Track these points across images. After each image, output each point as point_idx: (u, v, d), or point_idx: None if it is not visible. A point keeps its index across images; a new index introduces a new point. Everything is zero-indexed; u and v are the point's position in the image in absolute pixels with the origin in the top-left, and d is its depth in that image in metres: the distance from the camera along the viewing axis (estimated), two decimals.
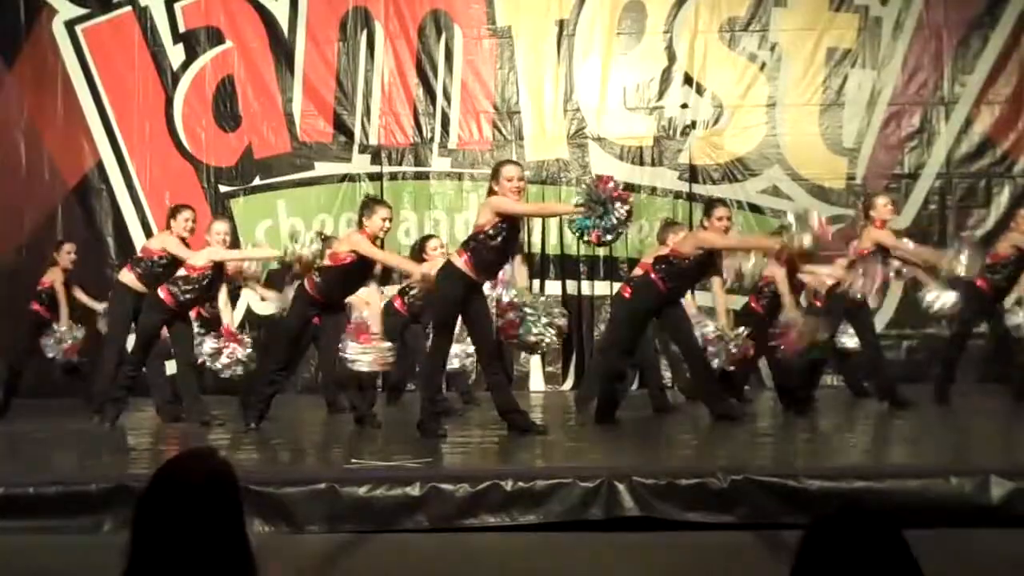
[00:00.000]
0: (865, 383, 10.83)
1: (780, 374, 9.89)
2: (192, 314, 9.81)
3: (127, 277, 9.80)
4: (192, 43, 13.47)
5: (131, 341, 9.94)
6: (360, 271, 8.58)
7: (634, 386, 11.09)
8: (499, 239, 7.86)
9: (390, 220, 8.71)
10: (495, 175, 8.07)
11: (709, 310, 9.86)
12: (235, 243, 10.79)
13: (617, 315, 9.40)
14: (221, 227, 9.60)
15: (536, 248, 13.02)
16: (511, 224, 7.93)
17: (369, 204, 8.83)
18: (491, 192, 8.01)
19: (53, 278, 10.86)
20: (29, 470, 6.78)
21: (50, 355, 10.89)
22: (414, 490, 5.67)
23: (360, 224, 8.60)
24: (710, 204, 9.44)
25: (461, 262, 7.94)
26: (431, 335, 8.60)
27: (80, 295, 11.12)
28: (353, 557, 5.41)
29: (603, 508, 5.63)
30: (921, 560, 2.20)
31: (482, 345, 8.49)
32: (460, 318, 8.21)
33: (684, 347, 9.23)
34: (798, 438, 8.26)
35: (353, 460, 6.79)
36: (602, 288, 12.92)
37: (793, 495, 5.60)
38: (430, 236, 10.65)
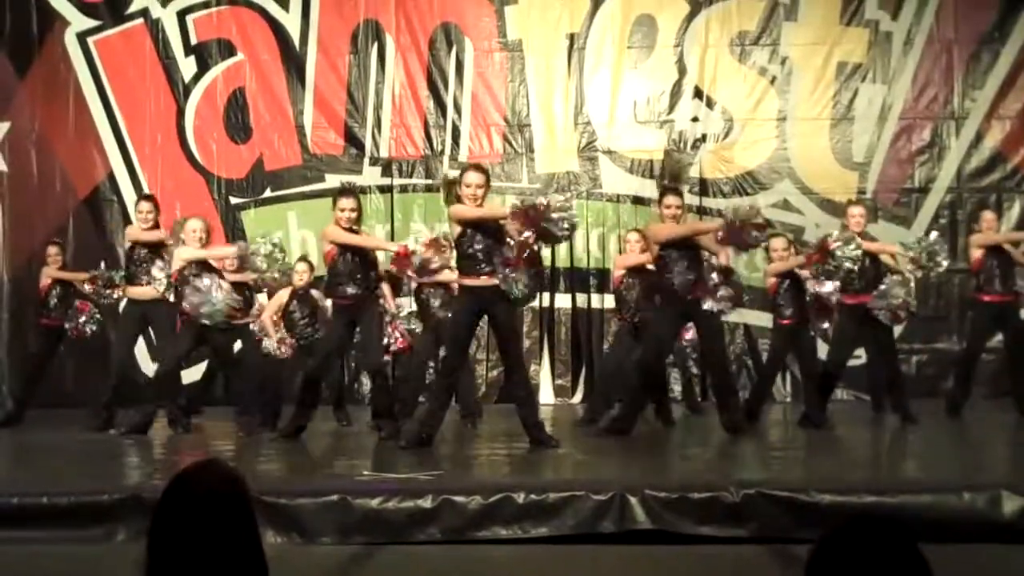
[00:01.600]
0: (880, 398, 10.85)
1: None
2: None
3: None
4: (204, 55, 13.51)
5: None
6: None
7: None
8: (478, 244, 7.90)
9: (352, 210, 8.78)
10: (459, 181, 8.15)
11: None
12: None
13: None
14: (195, 224, 9.63)
15: (546, 261, 13.02)
16: (479, 229, 7.95)
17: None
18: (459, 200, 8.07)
19: (46, 280, 10.94)
20: (42, 480, 6.79)
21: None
22: (426, 502, 5.67)
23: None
24: (662, 192, 9.32)
25: (469, 280, 7.99)
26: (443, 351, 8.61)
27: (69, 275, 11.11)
28: (365, 569, 5.42)
29: (615, 521, 5.62)
30: None
31: (503, 355, 8.56)
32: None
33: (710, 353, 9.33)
34: (810, 452, 8.25)
35: (365, 472, 6.79)
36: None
37: (805, 509, 5.60)
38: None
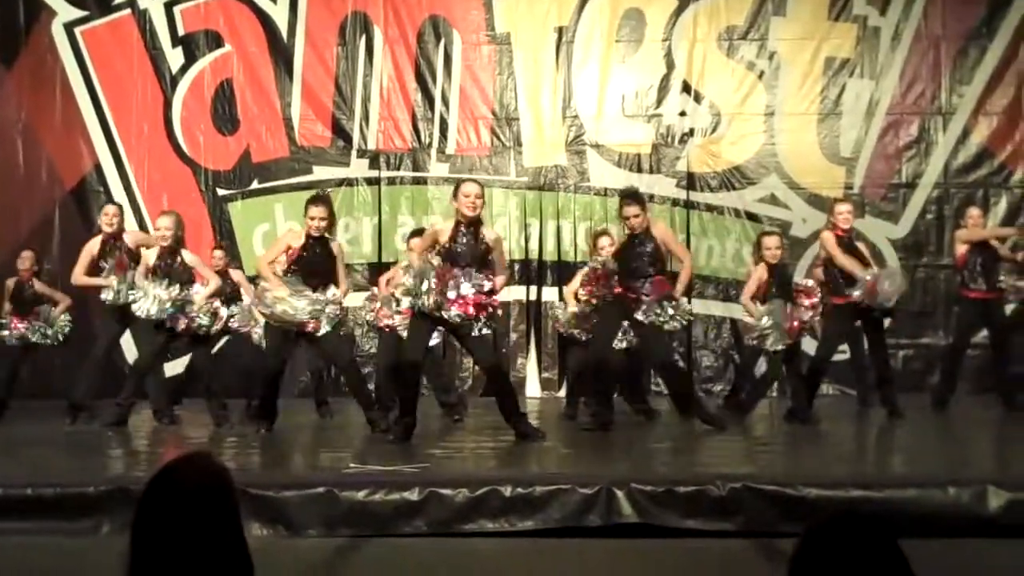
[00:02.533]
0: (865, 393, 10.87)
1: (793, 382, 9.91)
2: None
3: None
4: (191, 46, 13.47)
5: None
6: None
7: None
8: (456, 248, 8.01)
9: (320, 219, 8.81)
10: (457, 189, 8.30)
11: None
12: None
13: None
14: (161, 222, 9.74)
15: (533, 255, 13.03)
16: (454, 239, 8.06)
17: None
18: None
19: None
20: (27, 472, 6.76)
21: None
22: (413, 495, 5.67)
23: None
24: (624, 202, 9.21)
25: None
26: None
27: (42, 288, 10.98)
28: (351, 562, 5.42)
29: (602, 515, 5.63)
30: (918, 571, 2.20)
31: (478, 362, 8.63)
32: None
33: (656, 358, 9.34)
34: (796, 446, 8.26)
35: (351, 464, 6.79)
36: None
37: (791, 503, 5.61)
38: (417, 231, 10.48)
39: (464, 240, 8.10)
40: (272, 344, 9.06)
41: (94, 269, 9.99)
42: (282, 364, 9.05)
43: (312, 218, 8.73)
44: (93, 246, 10.10)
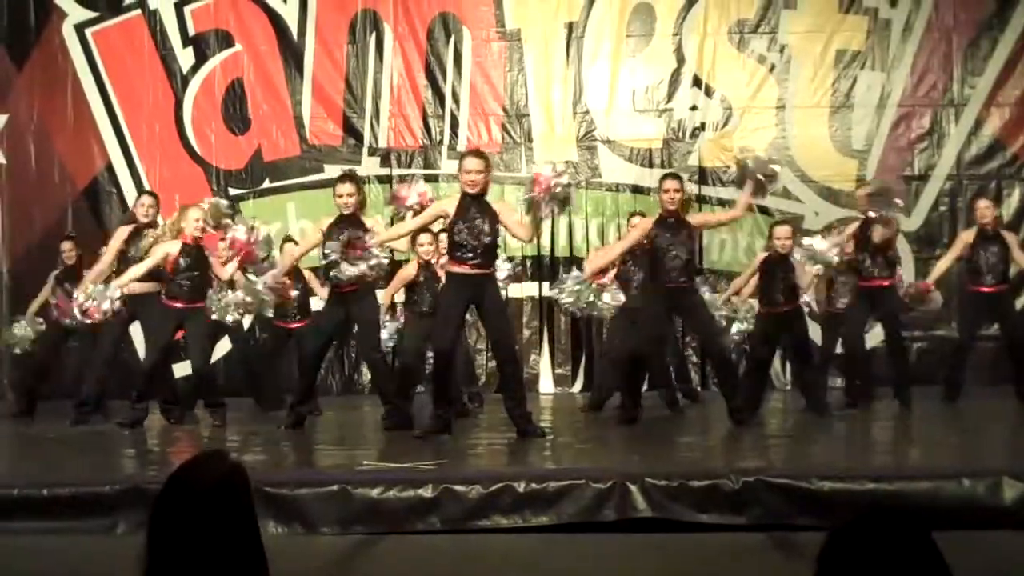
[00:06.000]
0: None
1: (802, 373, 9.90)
2: None
3: None
4: (202, 46, 13.49)
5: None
6: None
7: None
8: (464, 232, 7.93)
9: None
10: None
11: None
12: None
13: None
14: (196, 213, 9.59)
15: (545, 251, 13.03)
16: (464, 218, 7.96)
17: None
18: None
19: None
20: (43, 472, 6.79)
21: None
22: (427, 492, 5.68)
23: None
24: (662, 178, 9.29)
25: (457, 267, 7.98)
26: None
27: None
28: (366, 558, 5.43)
29: (616, 509, 5.63)
30: None
31: (493, 347, 8.57)
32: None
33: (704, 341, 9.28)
34: (810, 439, 8.25)
35: (365, 462, 6.80)
36: None
37: (806, 497, 5.60)
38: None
39: (472, 217, 8.00)
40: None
41: (121, 258, 9.87)
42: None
43: (339, 195, 8.70)
44: (122, 234, 9.99)
